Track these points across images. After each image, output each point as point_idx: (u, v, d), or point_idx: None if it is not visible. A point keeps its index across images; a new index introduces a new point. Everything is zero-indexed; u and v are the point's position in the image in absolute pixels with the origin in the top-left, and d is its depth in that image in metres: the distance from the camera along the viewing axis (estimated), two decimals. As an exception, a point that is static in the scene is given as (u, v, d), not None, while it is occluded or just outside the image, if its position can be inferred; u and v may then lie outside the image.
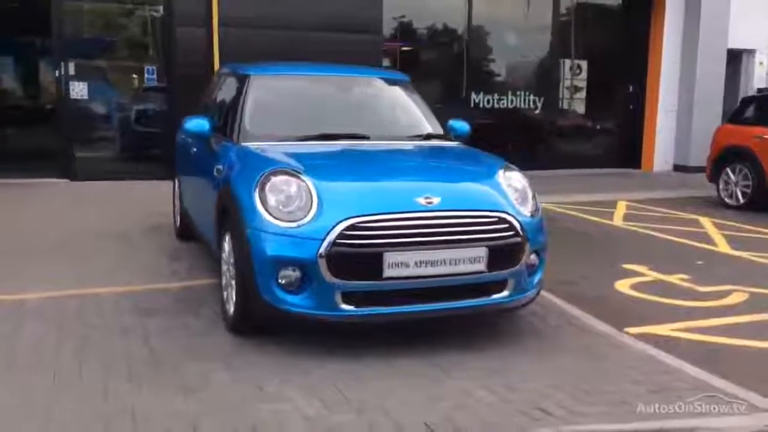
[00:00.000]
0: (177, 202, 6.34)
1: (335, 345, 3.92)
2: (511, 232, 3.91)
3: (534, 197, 4.27)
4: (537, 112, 12.59)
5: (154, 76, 10.07)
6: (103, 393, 3.33)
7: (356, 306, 3.70)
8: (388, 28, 11.36)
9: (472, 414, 3.19)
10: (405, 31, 11.96)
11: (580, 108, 13.44)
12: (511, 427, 3.09)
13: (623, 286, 5.60)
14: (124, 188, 9.23)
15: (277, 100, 4.94)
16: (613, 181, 11.81)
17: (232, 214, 3.99)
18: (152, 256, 5.90)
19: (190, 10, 9.66)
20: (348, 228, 3.61)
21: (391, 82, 5.50)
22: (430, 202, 3.78)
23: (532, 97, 12.47)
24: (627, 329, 4.51)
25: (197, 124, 4.82)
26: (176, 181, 6.35)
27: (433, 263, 3.72)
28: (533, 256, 4.13)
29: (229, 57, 9.45)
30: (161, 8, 9.90)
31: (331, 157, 4.44)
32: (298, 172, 3.85)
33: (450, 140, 5.06)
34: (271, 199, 3.77)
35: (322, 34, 10.04)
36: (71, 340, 3.99)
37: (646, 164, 13.08)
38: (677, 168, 12.92)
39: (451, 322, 4.29)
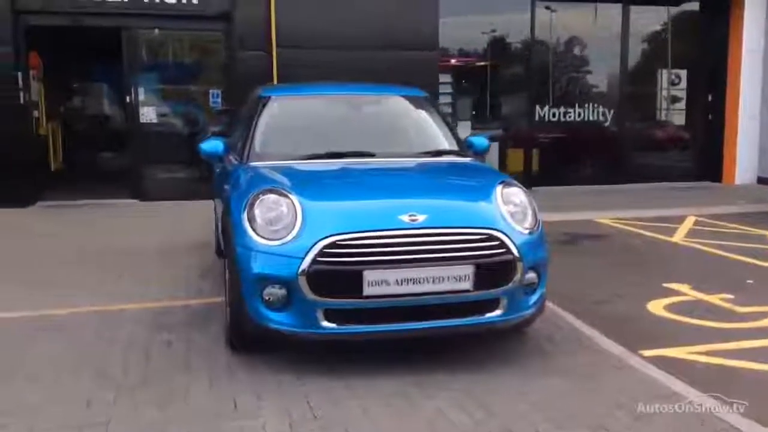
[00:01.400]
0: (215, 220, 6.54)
1: (323, 362, 3.92)
2: (501, 250, 3.81)
3: (534, 213, 4.14)
4: (607, 124, 12.22)
5: (219, 100, 10.44)
6: (88, 402, 3.48)
7: (338, 324, 3.70)
8: (450, 44, 11.37)
9: (435, 435, 3.14)
10: (467, 46, 11.92)
11: (657, 120, 12.98)
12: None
13: (656, 305, 5.34)
14: (189, 208, 9.53)
15: (289, 121, 5.04)
16: (688, 194, 11.27)
17: (227, 233, 4.09)
18: (187, 273, 6.10)
19: (250, 34, 9.97)
20: (328, 246, 3.62)
21: (408, 99, 5.49)
22: (415, 219, 3.74)
23: (601, 110, 12.12)
24: (641, 351, 4.31)
25: (212, 145, 4.98)
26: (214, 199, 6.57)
27: (415, 281, 3.67)
28: (531, 274, 4.01)
29: (288, 78, 9.72)
30: (223, 33, 10.25)
31: (327, 175, 4.47)
32: (287, 191, 3.90)
33: (464, 156, 4.99)
34: (259, 218, 3.83)
35: (379, 53, 10.14)
36: (78, 351, 4.18)
37: (728, 177, 12.40)
38: (761, 180, 12.20)
39: (449, 340, 4.24)
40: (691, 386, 3.72)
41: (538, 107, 11.84)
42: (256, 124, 4.92)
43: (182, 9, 10.00)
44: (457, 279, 3.72)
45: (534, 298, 4.08)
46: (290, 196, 3.86)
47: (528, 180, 11.75)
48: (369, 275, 3.61)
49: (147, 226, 8.51)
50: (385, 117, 5.30)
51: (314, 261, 3.60)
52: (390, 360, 3.95)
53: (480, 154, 5.30)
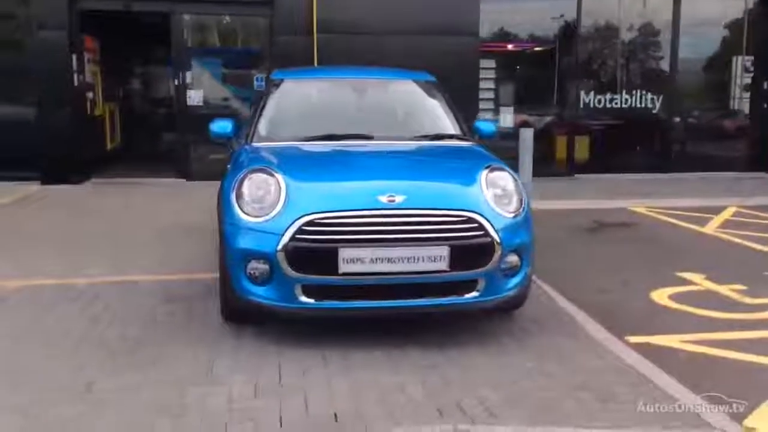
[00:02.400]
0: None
1: (308, 334, 4.09)
2: (479, 232, 3.87)
3: (520, 198, 4.17)
4: (655, 112, 11.94)
5: (263, 83, 10.66)
6: (80, 366, 3.72)
7: (316, 300, 3.85)
8: (492, 29, 11.36)
9: (386, 406, 3.25)
10: (509, 32, 11.82)
11: (708, 108, 12.62)
12: (409, 419, 3.12)
13: (661, 294, 5.29)
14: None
15: (295, 103, 5.22)
16: (736, 185, 10.93)
17: (220, 210, 4.28)
18: (211, 249, 6.30)
19: (292, 19, 10.18)
20: (306, 224, 3.76)
21: (416, 83, 5.57)
22: (393, 200, 3.84)
23: (649, 97, 11.84)
24: (627, 338, 4.31)
25: (221, 126, 5.17)
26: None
27: (390, 260, 3.77)
28: (513, 257, 4.05)
29: (328, 63, 9.90)
30: (267, 18, 10.49)
31: (318, 156, 4.61)
32: (274, 171, 4.06)
33: (465, 140, 5.04)
34: (246, 196, 4.00)
35: (419, 38, 10.21)
36: (86, 318, 4.46)
37: (784, 167, 11.98)
38: (817, 172, 11.74)
39: (435, 319, 4.35)
40: (665, 373, 3.73)
41: (582, 93, 11.68)
42: (263, 105, 5.11)
43: (227, -6, 10.32)
44: (432, 259, 3.80)
45: (515, 280, 4.11)
46: (276, 175, 4.01)
47: (570, 167, 11.69)
48: (344, 253, 3.73)
49: (185, 204, 8.84)
50: (389, 100, 5.40)
51: (293, 238, 3.75)
52: (372, 335, 4.07)
53: (486, 138, 5.35)
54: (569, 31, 11.72)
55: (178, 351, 3.93)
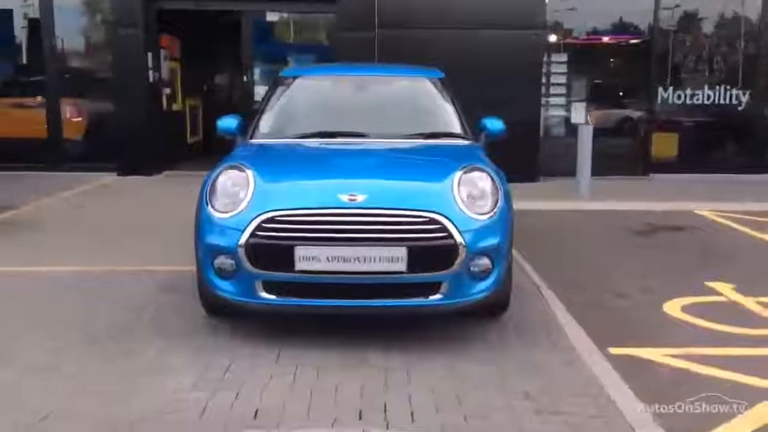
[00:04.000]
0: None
1: (276, 330, 4.16)
2: (441, 234, 3.79)
3: (496, 199, 4.03)
4: (741, 108, 11.16)
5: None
6: (58, 350, 3.93)
7: (277, 296, 3.89)
8: (562, 23, 11.00)
9: (310, 405, 3.26)
10: (580, 25, 11.40)
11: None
12: (324, 418, 3.13)
13: (675, 304, 4.96)
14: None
15: (298, 100, 5.28)
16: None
17: (197, 205, 4.38)
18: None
19: (355, 15, 10.25)
20: (266, 221, 3.80)
21: (422, 79, 5.49)
22: (353, 199, 3.82)
23: (734, 92, 11.07)
24: (610, 349, 4.10)
25: (226, 122, 5.27)
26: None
27: (346, 259, 3.75)
28: (483, 260, 3.93)
29: (389, 58, 9.90)
30: (332, 15, 10.63)
31: (297, 154, 4.64)
32: (246, 167, 4.12)
33: (462, 139, 4.92)
34: (218, 191, 4.10)
35: (482, 32, 10.06)
36: (84, 306, 4.69)
37: None
38: None
39: (413, 320, 4.30)
40: (628, 388, 3.53)
41: (660, 89, 11.07)
42: (267, 103, 5.21)
43: (293, -8, 10.56)
44: (390, 260, 3.75)
45: (485, 283, 3.98)
46: (247, 171, 4.08)
47: (645, 166, 11.17)
48: (300, 251, 3.75)
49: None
50: (391, 98, 5.34)
51: (252, 234, 3.80)
52: (340, 335, 4.09)
53: (494, 136, 5.20)
54: (644, 23, 11.16)
55: (151, 342, 4.05)
